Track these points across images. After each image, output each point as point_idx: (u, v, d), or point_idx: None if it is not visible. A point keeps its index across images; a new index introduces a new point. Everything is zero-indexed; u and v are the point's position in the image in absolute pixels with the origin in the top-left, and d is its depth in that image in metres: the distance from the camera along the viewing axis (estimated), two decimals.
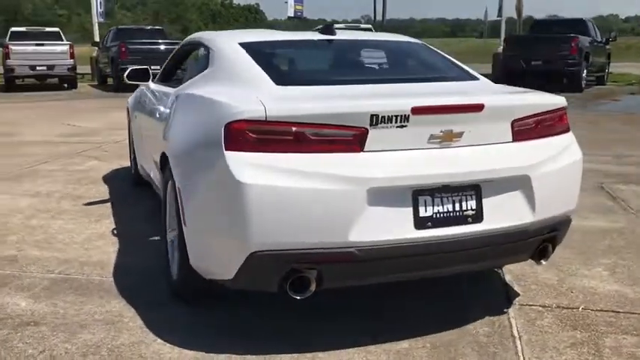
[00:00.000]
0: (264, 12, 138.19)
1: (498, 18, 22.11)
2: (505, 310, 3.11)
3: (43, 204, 5.18)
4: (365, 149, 2.46)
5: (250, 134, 2.42)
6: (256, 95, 2.64)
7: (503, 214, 2.66)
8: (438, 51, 3.63)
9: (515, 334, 2.86)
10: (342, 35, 3.62)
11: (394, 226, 2.48)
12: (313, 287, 2.50)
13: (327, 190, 2.38)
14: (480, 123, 2.62)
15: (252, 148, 2.42)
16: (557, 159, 2.82)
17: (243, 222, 2.40)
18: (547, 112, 2.84)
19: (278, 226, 2.40)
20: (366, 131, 2.45)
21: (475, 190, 2.61)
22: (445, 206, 2.56)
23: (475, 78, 3.28)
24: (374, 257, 2.48)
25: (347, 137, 2.45)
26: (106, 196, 5.48)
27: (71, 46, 17.92)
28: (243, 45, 3.29)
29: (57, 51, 17.50)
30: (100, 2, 21.78)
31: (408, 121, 2.48)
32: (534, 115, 2.78)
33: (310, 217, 2.39)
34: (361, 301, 3.19)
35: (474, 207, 2.61)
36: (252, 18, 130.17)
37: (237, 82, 2.97)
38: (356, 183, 2.40)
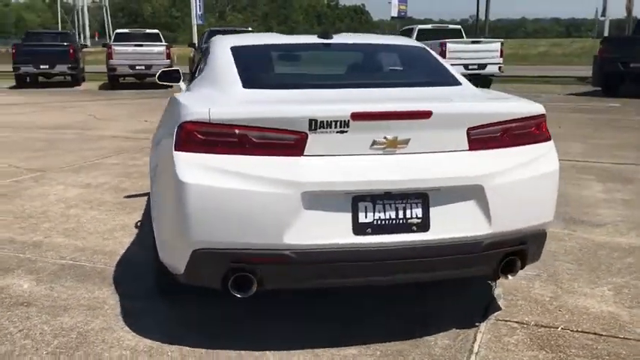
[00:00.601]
0: (369, 12, 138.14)
1: (602, 18, 20.88)
2: (477, 323, 3.01)
3: (89, 195, 5.56)
4: (305, 153, 2.48)
5: (197, 136, 2.51)
6: (218, 98, 2.74)
7: (452, 224, 2.58)
8: (435, 55, 3.54)
9: (475, 349, 2.77)
10: (338, 39, 3.63)
11: (331, 231, 2.48)
12: (255, 287, 2.55)
13: (262, 193, 2.43)
14: (428, 130, 2.56)
15: (197, 149, 2.52)
16: (524, 169, 2.69)
17: (185, 220, 2.51)
18: (516, 120, 2.72)
19: (218, 225, 2.48)
20: (306, 136, 2.47)
21: (422, 198, 2.56)
22: (387, 213, 2.53)
23: (458, 83, 3.18)
24: (310, 261, 2.49)
25: (287, 141, 2.48)
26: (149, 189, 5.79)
27: (168, 47, 18.91)
28: (233, 49, 3.39)
29: (154, 51, 18.53)
30: (199, 5, 22.75)
31: (348, 127, 2.47)
32: (497, 123, 2.67)
33: (247, 219, 2.45)
34: (325, 302, 3.20)
35: (419, 215, 2.55)
36: (358, 19, 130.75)
37: (213, 85, 3.08)
38: (290, 186, 2.43)
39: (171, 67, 17.29)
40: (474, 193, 2.58)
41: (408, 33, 18.17)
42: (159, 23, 72.34)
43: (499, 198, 2.61)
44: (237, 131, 2.48)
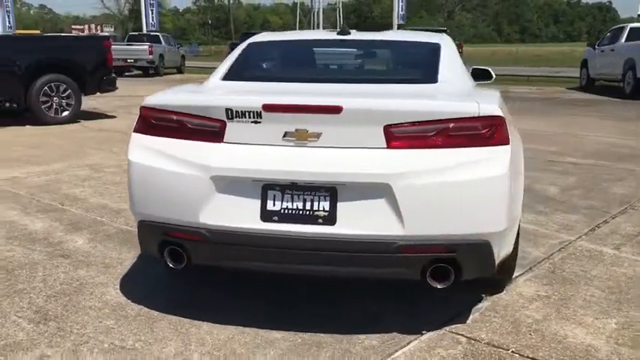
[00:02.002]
0: (616, 10, 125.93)
1: None
2: (424, 331, 2.89)
3: None
4: (224, 140, 2.66)
5: (147, 120, 2.84)
6: (192, 88, 3.04)
7: (361, 220, 2.55)
8: (444, 53, 3.38)
9: (396, 354, 2.70)
10: (355, 36, 3.66)
11: (241, 215, 2.63)
12: (185, 261, 2.80)
13: (182, 174, 2.67)
14: (340, 125, 2.55)
15: (146, 131, 2.84)
16: (450, 172, 2.53)
17: (131, 194, 2.86)
18: (450, 120, 2.56)
19: (151, 200, 2.79)
20: (225, 124, 2.65)
21: (330, 191, 2.57)
22: (295, 203, 2.59)
23: (434, 81, 3.04)
24: (222, 241, 2.67)
25: (210, 128, 2.68)
26: None
27: None
28: (251, 44, 3.65)
29: None
30: (402, 5, 23.08)
31: (261, 118, 2.59)
32: (425, 122, 2.55)
33: (172, 197, 2.71)
34: (283, 286, 3.32)
35: (326, 209, 2.57)
36: (602, 17, 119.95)
37: (210, 77, 3.38)
38: (202, 170, 2.63)
39: None
40: (382, 191, 2.51)
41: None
42: (384, 24, 74.50)
43: (411, 199, 2.51)
44: (173, 117, 2.75)
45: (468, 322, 3.01)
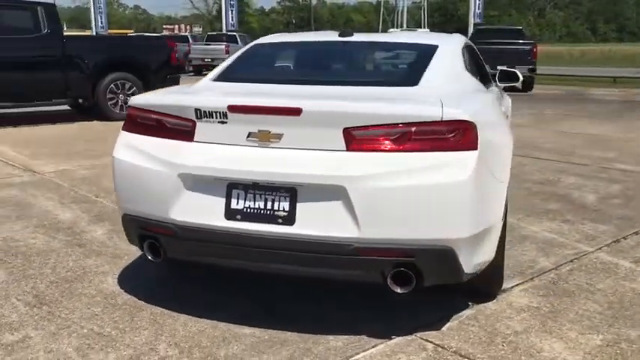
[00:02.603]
0: None
1: None
2: (393, 336, 2.87)
3: None
4: (194, 139, 2.75)
5: (132, 118, 2.98)
6: (183, 88, 3.16)
7: (319, 221, 2.56)
8: (437, 55, 3.32)
9: (356, 356, 2.70)
10: (356, 38, 3.67)
11: (207, 213, 2.71)
12: (162, 254, 2.92)
13: (154, 171, 2.79)
14: (301, 127, 2.57)
15: (131, 129, 2.98)
16: (410, 176, 2.49)
17: (115, 187, 3.02)
18: (414, 124, 2.53)
19: (131, 195, 2.93)
20: (195, 124, 2.74)
21: (290, 192, 2.60)
22: (257, 203, 2.64)
23: (414, 84, 2.99)
24: (189, 237, 2.76)
25: (182, 127, 2.78)
26: None
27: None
28: (256, 45, 3.75)
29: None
30: (479, 4, 22.54)
31: (227, 118, 2.66)
32: (385, 125, 2.53)
33: (146, 192, 2.84)
34: (266, 284, 3.37)
35: (286, 209, 2.60)
36: None
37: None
38: (171, 167, 2.74)
39: None
40: (338, 194, 2.52)
41: None
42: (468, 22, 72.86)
43: (367, 202, 2.50)
44: (153, 116, 2.87)
45: (443, 329, 2.96)
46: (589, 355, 2.73)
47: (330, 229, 2.56)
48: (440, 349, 2.77)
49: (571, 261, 3.91)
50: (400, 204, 2.51)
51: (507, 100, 5.14)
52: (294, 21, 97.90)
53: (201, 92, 3.02)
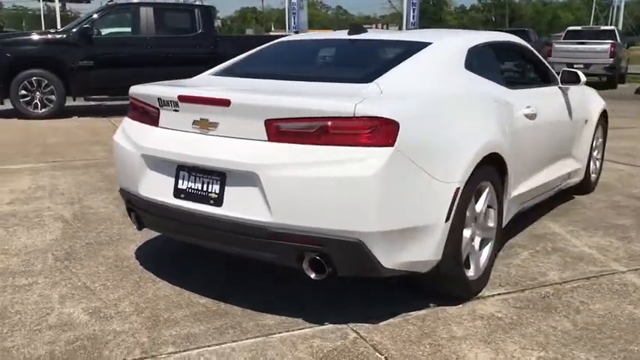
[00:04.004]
0: None
1: None
2: (326, 323, 2.98)
3: None
4: (159, 125, 3.12)
5: (131, 106, 3.43)
6: (183, 81, 3.57)
7: (241, 205, 2.77)
8: (424, 56, 3.30)
9: (273, 336, 2.86)
10: (363, 36, 3.75)
11: (162, 190, 3.05)
12: (142, 225, 3.35)
13: (127, 151, 3.21)
14: (231, 117, 2.79)
15: (130, 116, 3.44)
16: (321, 168, 2.59)
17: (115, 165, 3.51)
18: (329, 118, 2.62)
19: (120, 172, 3.38)
20: (159, 111, 3.10)
21: (220, 176, 2.84)
22: (196, 184, 2.92)
23: (369, 81, 3.01)
24: (152, 211, 3.13)
25: (153, 114, 3.15)
26: None
27: (612, 45, 17.66)
28: (275, 42, 4.03)
29: (596, 50, 17.63)
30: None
31: (178, 107, 2.98)
32: (305, 119, 2.65)
33: (125, 169, 3.27)
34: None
35: (217, 191, 2.85)
36: None
37: None
38: (137, 149, 3.13)
39: (613, 66, 16.99)
40: (255, 180, 2.70)
41: None
42: None
43: (278, 190, 2.65)
44: (137, 104, 3.29)
45: (381, 324, 2.98)
46: None
47: (250, 212, 2.75)
48: (360, 340, 2.82)
49: (587, 278, 3.60)
50: (309, 194, 2.62)
51: (576, 100, 4.76)
52: (493, 19, 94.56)
53: (182, 83, 3.37)
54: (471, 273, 3.25)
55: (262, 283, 3.46)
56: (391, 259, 2.75)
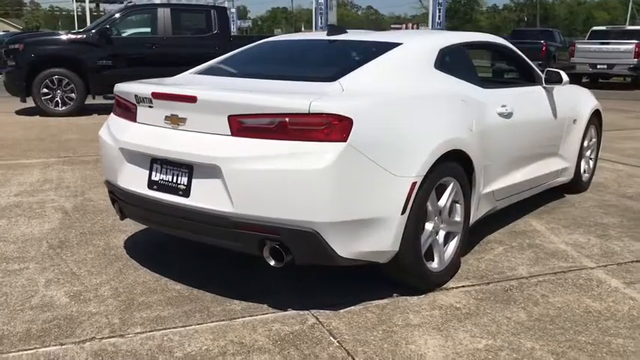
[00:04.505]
0: None
1: None
2: (289, 309, 3.13)
3: None
4: (137, 121, 3.31)
5: (115, 103, 3.64)
6: (165, 79, 3.77)
7: (206, 196, 2.94)
8: (393, 56, 3.45)
9: (236, 320, 3.03)
10: (343, 36, 3.90)
11: (137, 181, 3.24)
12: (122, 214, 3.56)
13: (109, 145, 3.42)
14: (198, 113, 2.97)
15: (114, 112, 3.64)
16: (278, 161, 2.75)
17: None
18: (286, 114, 2.77)
19: (104, 164, 3.59)
20: (136, 107, 3.29)
21: (188, 169, 3.01)
22: (167, 176, 3.11)
23: (333, 80, 3.15)
24: (128, 202, 3.34)
25: (131, 110, 3.35)
26: None
27: (637, 46, 17.42)
28: (259, 42, 4.21)
29: (620, 50, 17.41)
30: None
31: (152, 103, 3.17)
32: (264, 115, 2.81)
33: (108, 162, 3.48)
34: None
35: (185, 183, 3.03)
36: None
37: None
38: (116, 142, 3.33)
39: (639, 68, 16.65)
40: (217, 173, 2.87)
41: None
42: None
43: (238, 182, 2.82)
44: (121, 101, 3.50)
45: (342, 310, 3.13)
46: (455, 355, 2.72)
47: (214, 203, 2.93)
48: (318, 325, 2.97)
49: (554, 273, 3.69)
50: (267, 186, 2.79)
51: (562, 100, 4.82)
52: (525, 18, 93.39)
53: (161, 81, 3.56)
54: (434, 265, 3.38)
55: (240, 273, 3.62)
56: (347, 248, 2.89)
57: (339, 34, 3.98)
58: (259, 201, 2.82)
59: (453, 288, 3.44)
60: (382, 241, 3.00)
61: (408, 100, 3.20)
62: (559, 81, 4.62)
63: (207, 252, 3.86)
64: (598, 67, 17.79)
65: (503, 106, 3.96)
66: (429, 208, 3.25)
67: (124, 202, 3.41)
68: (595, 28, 20.32)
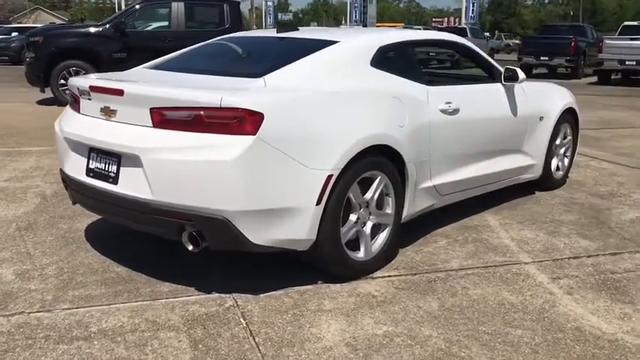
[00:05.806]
0: None
1: None
2: (213, 292, 3.32)
3: None
4: (80, 112, 3.54)
5: (71, 96, 3.88)
6: (118, 72, 4.00)
7: (131, 183, 3.14)
8: (324, 53, 3.60)
9: (158, 301, 3.23)
10: (291, 34, 4.07)
11: (78, 169, 3.47)
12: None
13: (57, 135, 3.67)
14: (125, 105, 3.17)
15: (69, 104, 3.89)
16: (191, 152, 2.93)
17: None
18: (200, 108, 2.95)
19: (57, 153, 3.84)
20: (79, 99, 3.52)
21: (117, 158, 3.22)
22: (101, 164, 3.32)
23: (258, 76, 3.30)
24: (73, 187, 3.58)
25: (76, 102, 3.59)
26: None
27: None
28: (217, 39, 4.40)
29: None
30: None
31: (90, 96, 3.39)
32: (181, 108, 2.99)
33: (58, 151, 3.72)
34: None
35: (114, 171, 3.24)
36: None
37: None
38: (61, 132, 3.57)
39: None
40: (138, 162, 3.07)
41: None
42: None
43: (155, 171, 3.01)
44: (73, 94, 3.73)
45: (262, 295, 3.30)
46: (351, 339, 2.86)
47: (136, 190, 3.13)
48: (234, 308, 3.15)
49: (485, 267, 3.78)
50: (183, 175, 2.98)
51: (524, 96, 4.87)
52: (571, 12, 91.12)
53: (106, 76, 3.79)
54: (360, 255, 3.51)
55: (184, 258, 3.80)
56: (259, 235, 3.06)
57: (289, 31, 4.12)
58: (175, 189, 3.01)
59: (378, 277, 3.57)
60: (297, 230, 3.15)
61: (328, 96, 3.33)
62: (514, 79, 4.66)
63: (162, 238, 4.07)
64: (627, 63, 17.38)
65: (448, 102, 4.05)
66: (353, 199, 3.39)
67: (71, 188, 3.64)
68: (627, 23, 19.87)
